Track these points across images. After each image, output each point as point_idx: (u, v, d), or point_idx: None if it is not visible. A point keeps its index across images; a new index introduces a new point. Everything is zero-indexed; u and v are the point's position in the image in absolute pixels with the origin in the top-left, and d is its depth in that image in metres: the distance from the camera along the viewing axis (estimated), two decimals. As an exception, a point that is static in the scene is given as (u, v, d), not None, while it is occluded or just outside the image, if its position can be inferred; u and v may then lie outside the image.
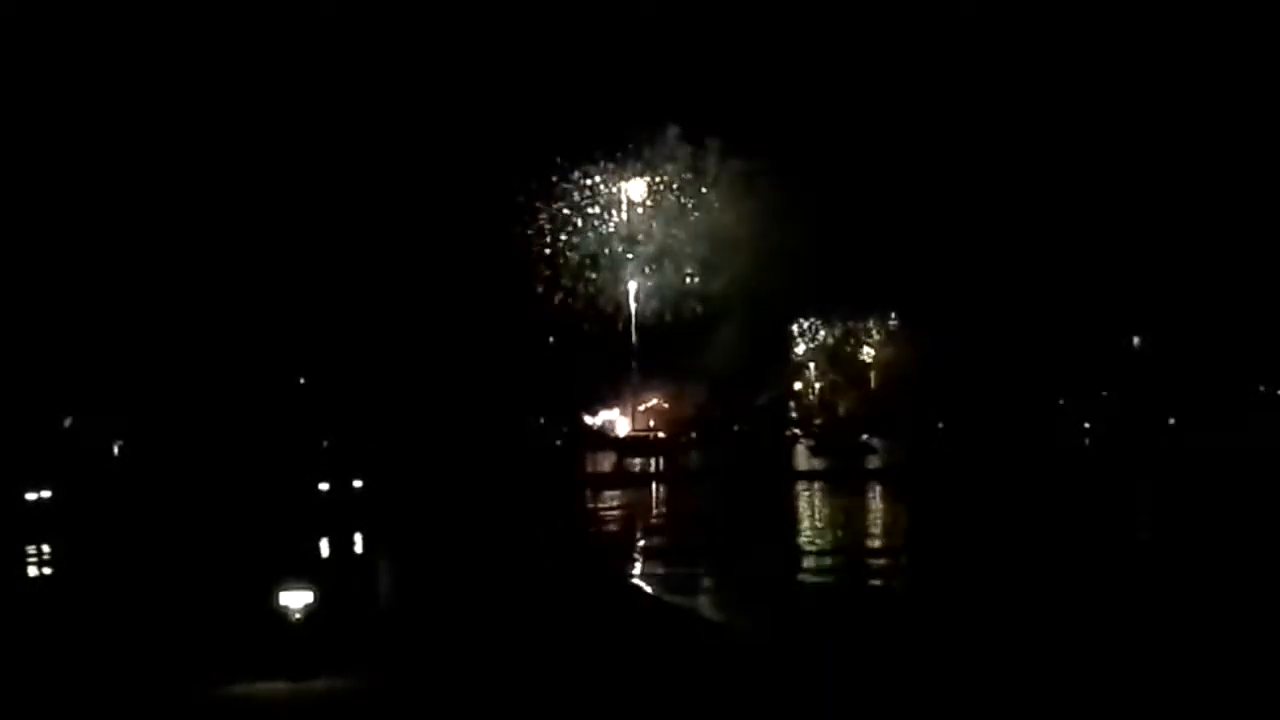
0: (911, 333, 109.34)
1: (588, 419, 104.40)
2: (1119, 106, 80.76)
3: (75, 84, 62.64)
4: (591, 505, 42.40)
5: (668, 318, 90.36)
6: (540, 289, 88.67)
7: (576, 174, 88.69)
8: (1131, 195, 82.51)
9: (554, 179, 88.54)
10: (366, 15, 71.53)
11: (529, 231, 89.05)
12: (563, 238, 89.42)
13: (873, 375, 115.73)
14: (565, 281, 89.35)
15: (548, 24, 79.37)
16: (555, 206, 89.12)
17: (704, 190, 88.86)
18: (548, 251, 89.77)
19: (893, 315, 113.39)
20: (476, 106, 77.58)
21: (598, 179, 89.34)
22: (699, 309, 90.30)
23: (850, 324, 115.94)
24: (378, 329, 72.68)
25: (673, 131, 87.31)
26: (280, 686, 11.12)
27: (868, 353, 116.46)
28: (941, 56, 79.00)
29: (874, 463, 67.27)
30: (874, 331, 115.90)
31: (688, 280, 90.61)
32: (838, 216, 79.98)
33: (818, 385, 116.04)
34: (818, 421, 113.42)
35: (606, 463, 72.85)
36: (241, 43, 67.46)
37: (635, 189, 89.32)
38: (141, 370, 60.54)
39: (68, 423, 60.35)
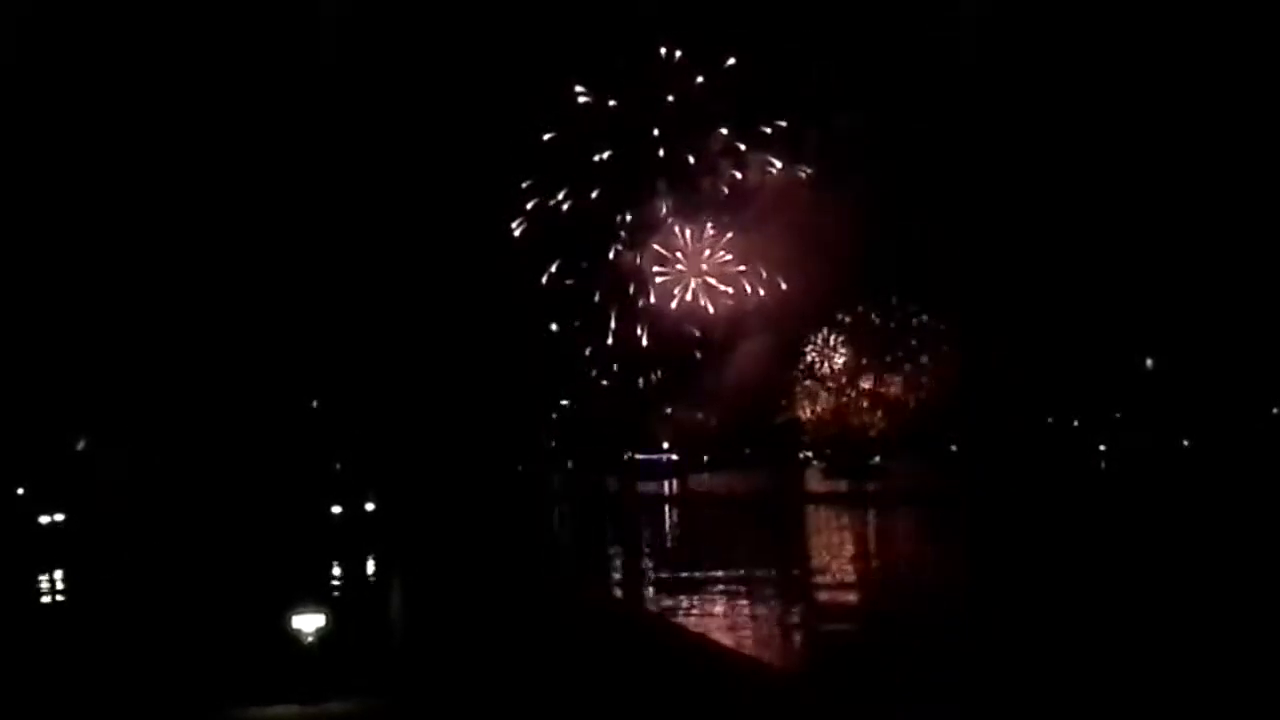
0: (928, 354, 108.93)
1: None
2: (1132, 125, 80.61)
3: (93, 110, 63.04)
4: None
5: (687, 337, 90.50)
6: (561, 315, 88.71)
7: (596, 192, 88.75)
8: (1146, 216, 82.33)
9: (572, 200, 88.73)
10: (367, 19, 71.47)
11: (549, 257, 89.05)
12: (584, 264, 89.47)
13: (888, 397, 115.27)
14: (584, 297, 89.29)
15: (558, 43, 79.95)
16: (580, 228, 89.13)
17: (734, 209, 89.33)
18: (569, 277, 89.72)
19: (914, 339, 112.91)
20: (497, 128, 77.87)
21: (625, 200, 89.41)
22: (718, 328, 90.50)
23: (867, 346, 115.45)
24: (390, 353, 72.82)
25: (719, 137, 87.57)
26: (293, 710, 11.10)
27: (883, 374, 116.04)
28: (949, 63, 79.00)
29: (883, 486, 66.95)
30: (892, 354, 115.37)
31: (711, 299, 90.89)
32: (853, 238, 79.93)
33: (832, 407, 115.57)
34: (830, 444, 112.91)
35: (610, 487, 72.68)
36: (241, 44, 67.38)
37: (659, 204, 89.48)
38: (154, 393, 60.70)
39: (81, 446, 60.51)
